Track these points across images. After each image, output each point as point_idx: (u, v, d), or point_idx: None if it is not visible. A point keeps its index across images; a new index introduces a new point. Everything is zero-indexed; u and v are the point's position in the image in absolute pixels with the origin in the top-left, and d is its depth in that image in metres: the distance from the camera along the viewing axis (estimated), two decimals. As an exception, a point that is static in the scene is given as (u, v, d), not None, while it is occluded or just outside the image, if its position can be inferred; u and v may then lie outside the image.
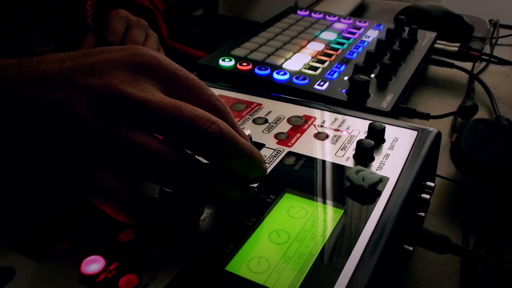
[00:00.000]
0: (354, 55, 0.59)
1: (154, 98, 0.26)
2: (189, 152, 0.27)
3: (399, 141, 0.37)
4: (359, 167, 0.32)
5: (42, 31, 0.52)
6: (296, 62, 0.56)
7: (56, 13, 0.54)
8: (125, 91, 0.26)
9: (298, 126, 0.39)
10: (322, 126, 0.39)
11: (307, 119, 0.40)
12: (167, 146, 0.26)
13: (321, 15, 0.72)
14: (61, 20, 0.54)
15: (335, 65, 0.56)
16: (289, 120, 0.40)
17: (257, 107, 0.42)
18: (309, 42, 0.62)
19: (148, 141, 0.26)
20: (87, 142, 0.26)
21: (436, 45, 0.67)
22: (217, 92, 0.44)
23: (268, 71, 0.53)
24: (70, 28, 0.56)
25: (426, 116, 0.51)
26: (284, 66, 0.55)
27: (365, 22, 0.70)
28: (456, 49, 0.66)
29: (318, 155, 0.35)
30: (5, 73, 0.26)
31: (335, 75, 0.53)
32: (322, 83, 0.51)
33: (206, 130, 0.26)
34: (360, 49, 0.61)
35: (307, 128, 0.39)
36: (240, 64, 0.55)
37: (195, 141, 0.26)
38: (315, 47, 0.61)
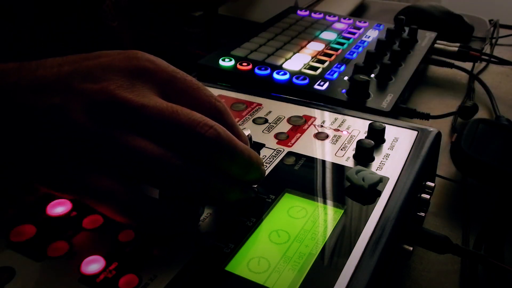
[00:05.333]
0: (354, 55, 0.59)
1: (150, 103, 0.26)
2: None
3: (399, 141, 0.37)
4: (359, 167, 0.32)
5: (57, 31, 0.52)
6: (296, 62, 0.56)
7: (72, 14, 0.53)
8: (121, 96, 0.26)
9: (298, 126, 0.39)
10: (322, 126, 0.39)
11: (307, 119, 0.40)
12: (165, 150, 0.26)
13: (321, 15, 0.72)
14: (78, 21, 0.54)
15: (335, 65, 0.56)
16: (289, 120, 0.40)
17: (257, 107, 0.42)
18: (309, 42, 0.62)
19: (145, 145, 0.25)
20: (84, 147, 0.26)
21: (436, 45, 0.67)
22: (217, 92, 0.44)
23: (268, 71, 0.53)
24: (88, 29, 0.55)
25: (426, 116, 0.51)
26: (284, 66, 0.55)
27: (365, 22, 0.70)
28: (456, 49, 0.66)
29: (318, 155, 0.35)
30: (4, 78, 0.26)
31: (335, 75, 0.53)
32: (322, 83, 0.51)
33: (203, 134, 0.26)
34: (360, 49, 0.61)
35: (307, 128, 0.39)
36: (240, 64, 0.55)
37: (193, 145, 0.26)
38: (315, 47, 0.61)
